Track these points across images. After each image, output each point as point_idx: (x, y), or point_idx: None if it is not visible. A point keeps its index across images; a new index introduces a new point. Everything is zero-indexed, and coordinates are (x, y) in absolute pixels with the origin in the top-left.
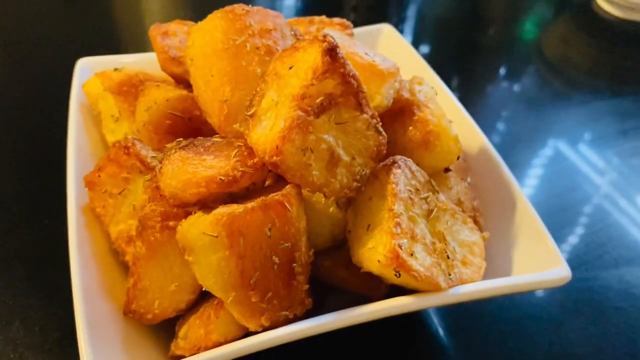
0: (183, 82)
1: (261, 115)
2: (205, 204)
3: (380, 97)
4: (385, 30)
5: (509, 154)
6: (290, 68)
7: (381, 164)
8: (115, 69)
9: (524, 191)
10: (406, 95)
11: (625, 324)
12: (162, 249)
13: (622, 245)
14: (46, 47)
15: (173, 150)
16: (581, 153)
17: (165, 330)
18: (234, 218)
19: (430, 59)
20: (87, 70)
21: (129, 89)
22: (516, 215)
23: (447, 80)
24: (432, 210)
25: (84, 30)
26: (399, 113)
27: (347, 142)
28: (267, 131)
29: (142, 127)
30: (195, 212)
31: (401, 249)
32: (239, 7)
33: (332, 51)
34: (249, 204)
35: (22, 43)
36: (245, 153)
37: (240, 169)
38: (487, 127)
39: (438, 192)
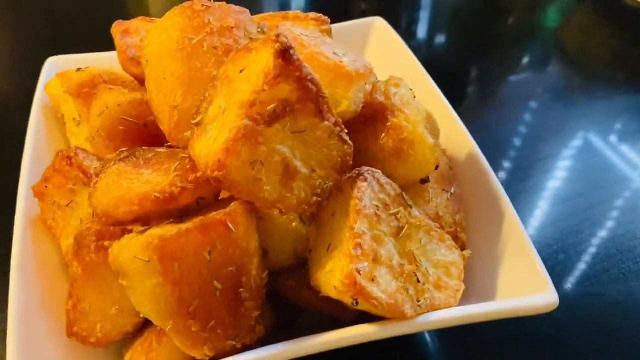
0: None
1: (207, 124)
2: (148, 221)
3: (347, 102)
4: (377, 24)
5: (526, 148)
6: (241, 71)
7: (347, 176)
8: (79, 69)
9: (552, 184)
10: (380, 98)
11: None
12: (99, 271)
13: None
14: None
15: (112, 163)
16: (607, 149)
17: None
18: (167, 241)
19: (448, 50)
20: (55, 70)
21: (90, 91)
22: (503, 231)
23: (465, 71)
24: (402, 228)
25: (67, 24)
26: (371, 118)
27: (305, 153)
28: (211, 142)
29: (96, 133)
30: (132, 232)
31: (360, 274)
32: (198, 3)
33: (285, 53)
34: (185, 225)
35: None
36: (188, 166)
37: (180, 184)
38: (505, 118)
39: (411, 207)
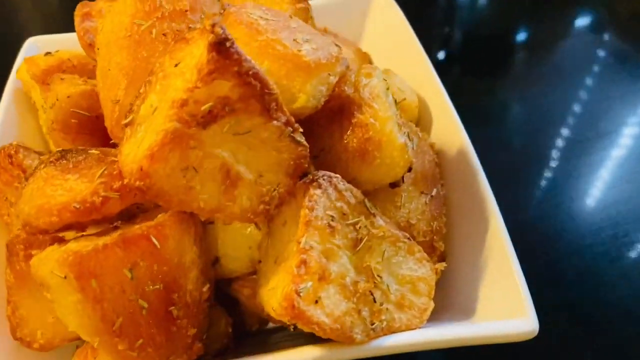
0: None
1: (138, 125)
2: (83, 227)
3: (305, 96)
4: None
5: (580, 123)
6: (177, 65)
7: (301, 180)
8: (47, 53)
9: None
10: (348, 90)
11: None
12: (31, 279)
13: None
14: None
15: (42, 165)
16: None
17: None
18: (82, 258)
19: (492, 14)
20: (35, 51)
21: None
22: (487, 242)
23: (511, 37)
24: (361, 240)
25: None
26: (338, 113)
27: (251, 156)
28: (136, 147)
29: (51, 125)
30: (63, 239)
31: (300, 296)
32: None
33: (220, 46)
34: (102, 240)
35: None
36: (116, 172)
37: (102, 193)
38: (554, 89)
39: (374, 215)
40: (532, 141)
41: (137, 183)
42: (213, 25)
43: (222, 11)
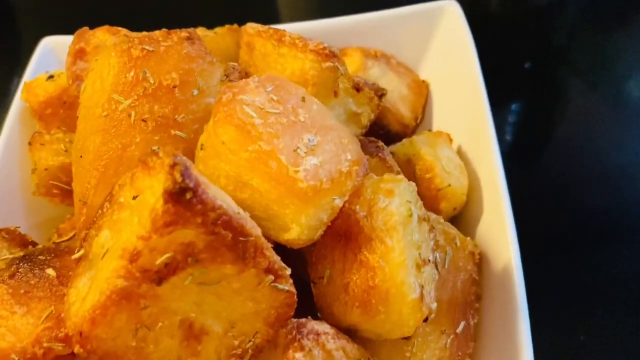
0: None
1: (90, 262)
2: None
3: (298, 228)
4: (448, 9)
5: None
6: (135, 198)
7: (284, 330)
8: (50, 77)
9: None
10: (360, 212)
11: None
12: None
13: None
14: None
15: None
16: None
17: None
18: None
19: None
20: (50, 55)
21: (55, 111)
22: None
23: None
24: None
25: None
26: (343, 238)
27: (220, 307)
28: (81, 298)
29: (35, 187)
30: None
31: None
32: (139, 44)
33: (178, 196)
34: None
35: None
36: (64, 314)
37: (45, 344)
38: None
39: None
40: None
41: (77, 348)
42: (172, 166)
43: (225, 77)
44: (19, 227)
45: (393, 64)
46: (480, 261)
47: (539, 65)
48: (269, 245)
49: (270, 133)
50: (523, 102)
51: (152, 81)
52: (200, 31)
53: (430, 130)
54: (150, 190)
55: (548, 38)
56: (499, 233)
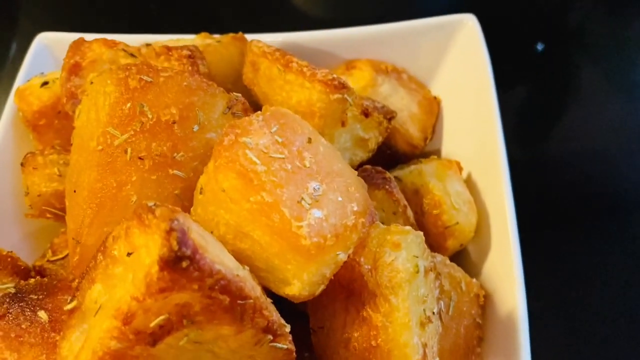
0: None
1: (80, 316)
2: None
3: (299, 284)
4: (466, 23)
5: None
6: (129, 255)
7: None
8: (45, 83)
9: None
10: (365, 265)
11: None
12: None
13: None
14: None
15: None
16: None
17: None
18: None
19: None
20: (45, 52)
21: (49, 121)
22: None
23: None
24: None
25: None
26: (346, 289)
27: None
28: (72, 354)
29: (28, 208)
30: None
31: None
32: (136, 74)
33: (174, 264)
34: None
35: None
36: None
37: None
38: None
39: None
40: None
41: None
42: (169, 232)
43: (226, 111)
44: (11, 251)
45: (404, 79)
46: (485, 301)
47: (552, 46)
48: (269, 302)
49: (274, 182)
50: (532, 84)
51: (149, 116)
52: (203, 38)
53: (438, 150)
54: (145, 249)
55: (562, 19)
56: (506, 273)
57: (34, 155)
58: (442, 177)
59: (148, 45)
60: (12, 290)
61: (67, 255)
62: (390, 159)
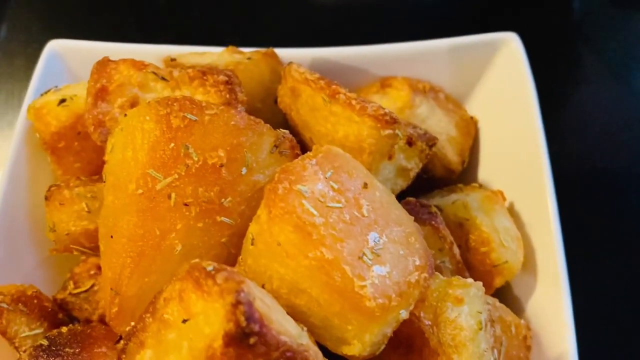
0: None
1: None
2: None
3: (360, 346)
4: (507, 42)
5: None
6: (185, 321)
7: None
8: (62, 101)
9: None
10: (425, 321)
11: None
12: None
13: None
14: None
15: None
16: None
17: None
18: None
19: None
20: (58, 61)
21: (69, 144)
22: None
23: None
24: None
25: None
26: (404, 346)
27: None
28: None
29: (54, 241)
30: None
31: None
32: (179, 111)
33: (241, 341)
34: None
35: None
36: None
37: None
38: None
39: None
40: None
41: None
42: (235, 305)
43: (274, 149)
44: (36, 290)
45: (441, 99)
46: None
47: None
48: None
49: (333, 236)
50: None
51: (195, 158)
52: (231, 53)
53: (474, 173)
54: (204, 318)
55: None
56: (554, 312)
57: (59, 188)
58: (489, 211)
59: (173, 60)
60: (45, 342)
61: (90, 288)
62: (427, 184)
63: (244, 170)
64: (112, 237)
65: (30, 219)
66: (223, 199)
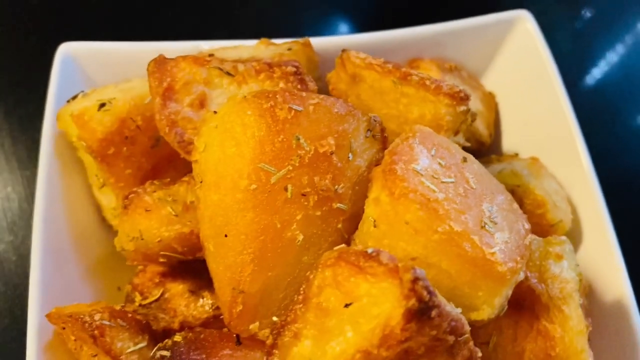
0: None
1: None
2: None
3: (489, 310)
4: (519, 20)
5: None
6: (347, 306)
7: None
8: (102, 105)
9: None
10: (532, 279)
11: None
12: None
13: None
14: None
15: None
16: None
17: None
18: None
19: None
20: (71, 61)
21: (118, 149)
22: None
23: None
24: None
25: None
26: (514, 305)
27: None
28: None
29: (126, 253)
30: None
31: None
32: (283, 102)
33: (422, 315)
34: None
35: None
36: None
37: None
38: None
39: None
40: None
41: None
42: (414, 282)
43: (368, 134)
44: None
45: (465, 77)
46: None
47: None
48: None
49: (456, 209)
50: None
51: (307, 148)
52: (266, 45)
53: (499, 146)
54: (370, 299)
55: None
56: (606, 263)
57: (138, 195)
58: (538, 176)
59: (211, 55)
60: (167, 354)
61: (160, 297)
62: None
63: (350, 156)
64: (226, 235)
65: (70, 229)
66: (336, 186)
